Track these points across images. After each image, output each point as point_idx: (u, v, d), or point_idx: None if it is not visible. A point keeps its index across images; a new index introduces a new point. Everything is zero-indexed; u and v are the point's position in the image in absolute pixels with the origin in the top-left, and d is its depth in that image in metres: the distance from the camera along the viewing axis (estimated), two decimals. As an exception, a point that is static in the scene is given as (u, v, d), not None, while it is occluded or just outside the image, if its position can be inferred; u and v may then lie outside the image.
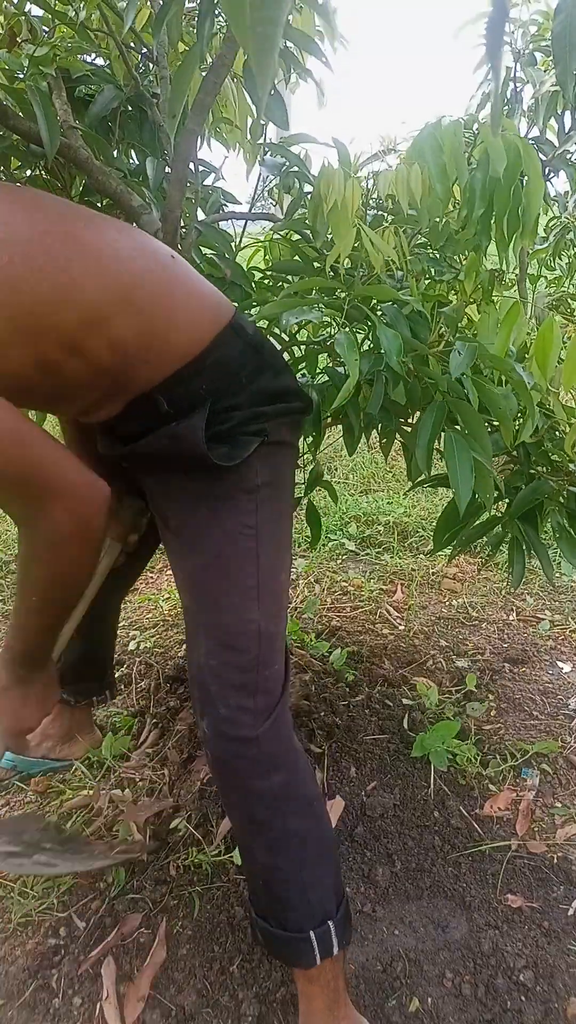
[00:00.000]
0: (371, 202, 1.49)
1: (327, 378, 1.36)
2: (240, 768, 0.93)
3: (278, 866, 0.94)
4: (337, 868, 1.00)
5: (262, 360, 1.01)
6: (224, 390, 0.96)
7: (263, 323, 1.37)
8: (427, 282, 1.46)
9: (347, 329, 1.08)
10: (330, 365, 1.39)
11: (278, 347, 1.18)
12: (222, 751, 0.93)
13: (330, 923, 0.95)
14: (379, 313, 1.20)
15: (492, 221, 1.24)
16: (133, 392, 0.94)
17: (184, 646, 1.96)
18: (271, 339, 1.15)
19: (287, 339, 1.43)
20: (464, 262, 1.46)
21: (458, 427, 1.18)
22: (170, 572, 2.49)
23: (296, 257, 1.50)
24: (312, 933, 0.94)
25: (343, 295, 1.17)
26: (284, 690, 0.99)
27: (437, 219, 1.29)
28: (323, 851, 0.97)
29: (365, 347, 1.25)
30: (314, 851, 0.96)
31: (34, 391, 0.87)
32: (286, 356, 1.45)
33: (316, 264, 1.43)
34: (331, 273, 1.29)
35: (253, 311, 1.43)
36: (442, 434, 1.16)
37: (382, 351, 1.07)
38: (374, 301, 1.22)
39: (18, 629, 0.94)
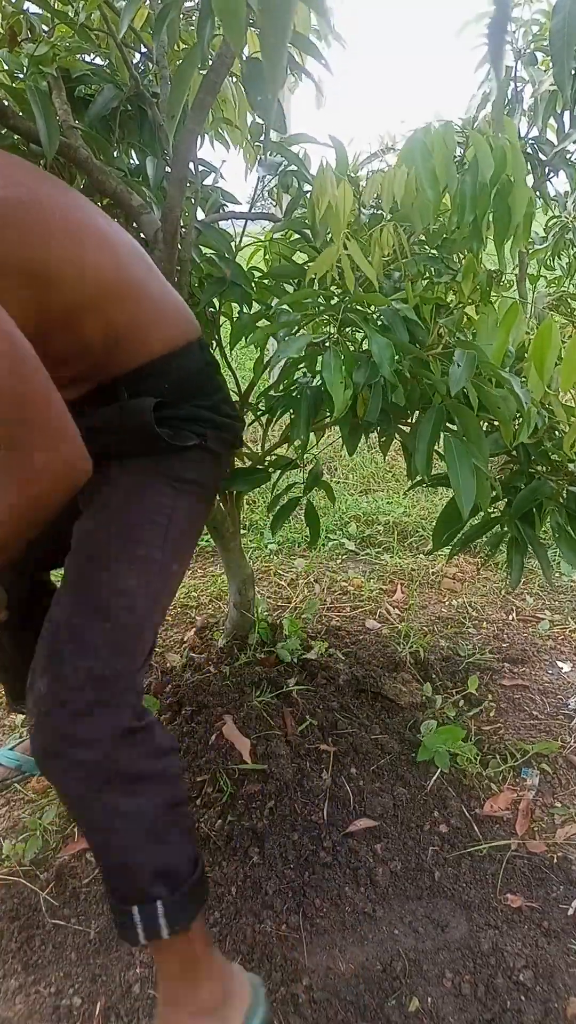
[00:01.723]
0: (369, 202, 1.49)
1: (323, 381, 1.36)
2: (64, 734, 0.87)
3: (97, 839, 0.91)
4: (173, 847, 0.93)
5: (216, 382, 1.12)
6: (182, 395, 1.04)
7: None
8: (425, 283, 1.46)
9: (338, 344, 1.09)
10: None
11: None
12: (51, 714, 0.87)
13: (159, 903, 0.90)
14: (376, 316, 1.20)
15: (482, 224, 1.24)
16: (102, 378, 1.00)
17: (179, 648, 1.96)
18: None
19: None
20: (461, 263, 1.46)
21: (455, 429, 1.18)
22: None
23: (291, 259, 1.50)
24: (135, 909, 0.90)
25: (337, 302, 1.17)
26: (134, 673, 0.93)
27: (430, 222, 1.29)
28: (146, 830, 0.91)
29: (366, 346, 1.25)
30: (134, 829, 0.90)
31: None
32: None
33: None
34: (330, 278, 1.29)
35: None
36: (442, 436, 1.16)
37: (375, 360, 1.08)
38: (371, 306, 1.22)
39: None
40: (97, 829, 0.90)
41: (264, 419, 1.56)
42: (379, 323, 1.19)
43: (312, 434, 1.45)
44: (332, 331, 1.16)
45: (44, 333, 0.87)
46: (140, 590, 0.95)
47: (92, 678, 0.88)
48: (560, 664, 1.96)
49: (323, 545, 2.60)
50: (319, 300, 1.26)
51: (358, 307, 1.22)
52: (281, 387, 1.42)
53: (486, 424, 1.32)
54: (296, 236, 1.55)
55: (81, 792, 0.88)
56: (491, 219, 1.22)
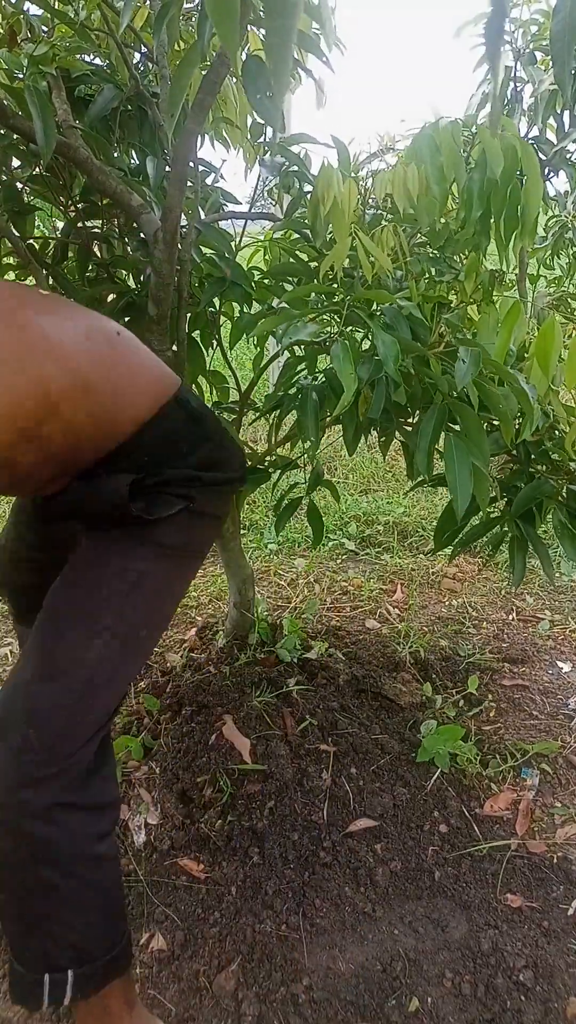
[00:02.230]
0: (370, 201, 1.49)
1: (326, 380, 1.36)
2: (13, 804, 0.87)
3: (17, 905, 0.90)
4: (96, 927, 0.93)
5: (203, 430, 1.03)
6: (163, 459, 0.98)
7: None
8: (426, 282, 1.46)
9: (344, 337, 1.08)
10: (330, 366, 1.39)
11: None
12: (3, 779, 0.87)
13: (70, 973, 0.90)
14: (379, 315, 1.20)
15: (491, 221, 1.24)
16: (79, 468, 0.95)
17: (179, 648, 1.96)
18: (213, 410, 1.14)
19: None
20: (464, 262, 1.46)
21: (457, 429, 1.18)
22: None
23: (292, 259, 1.50)
24: (47, 977, 0.89)
25: (340, 299, 1.17)
26: (93, 743, 0.92)
27: (436, 220, 1.29)
28: (73, 907, 0.91)
29: (366, 345, 1.25)
30: (60, 905, 0.90)
31: None
32: (286, 355, 1.45)
33: (314, 264, 1.43)
34: (330, 274, 1.29)
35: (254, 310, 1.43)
36: (443, 435, 1.16)
37: (379, 357, 1.07)
38: (374, 304, 1.22)
39: None
40: (21, 895, 0.89)
41: (269, 417, 1.56)
42: (382, 321, 1.19)
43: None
44: (334, 330, 1.15)
45: (5, 457, 0.84)
46: (97, 661, 0.93)
47: (39, 747, 0.87)
48: (560, 664, 1.96)
49: (323, 545, 2.60)
50: (322, 297, 1.26)
51: (357, 307, 1.22)
52: (282, 388, 1.42)
53: (486, 424, 1.32)
54: (296, 236, 1.55)
55: (20, 860, 0.87)
56: (499, 216, 1.22)
